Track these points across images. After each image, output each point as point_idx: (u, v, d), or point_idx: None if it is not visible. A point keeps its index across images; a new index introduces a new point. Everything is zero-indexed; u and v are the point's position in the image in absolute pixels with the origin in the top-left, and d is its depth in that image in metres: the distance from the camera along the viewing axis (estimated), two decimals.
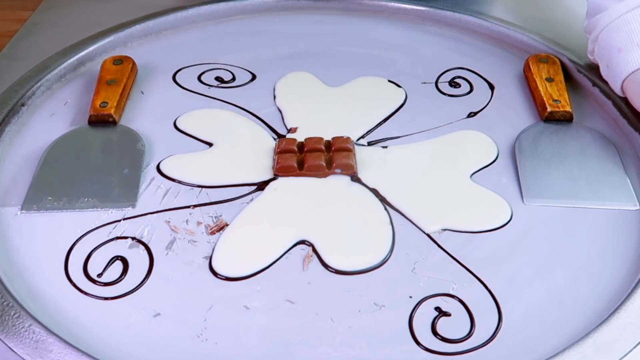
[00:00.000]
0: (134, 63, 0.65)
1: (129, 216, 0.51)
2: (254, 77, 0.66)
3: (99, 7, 0.60)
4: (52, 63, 0.64)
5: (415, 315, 0.44)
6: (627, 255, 0.48)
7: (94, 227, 0.50)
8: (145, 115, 0.61)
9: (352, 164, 0.54)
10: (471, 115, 0.61)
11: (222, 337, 0.43)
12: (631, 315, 0.43)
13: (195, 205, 0.52)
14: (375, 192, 0.53)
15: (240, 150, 0.57)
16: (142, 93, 0.64)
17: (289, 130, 0.59)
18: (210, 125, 0.60)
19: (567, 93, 0.61)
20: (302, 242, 0.49)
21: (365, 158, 0.56)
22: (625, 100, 0.59)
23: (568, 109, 0.59)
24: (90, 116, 0.59)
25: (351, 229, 0.50)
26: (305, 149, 0.55)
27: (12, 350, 0.41)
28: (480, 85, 0.65)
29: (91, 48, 0.67)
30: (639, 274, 0.46)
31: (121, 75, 0.62)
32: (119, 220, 0.51)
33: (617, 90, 0.58)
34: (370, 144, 0.58)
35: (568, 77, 0.64)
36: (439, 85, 0.65)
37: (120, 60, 0.64)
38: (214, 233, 0.50)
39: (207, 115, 0.61)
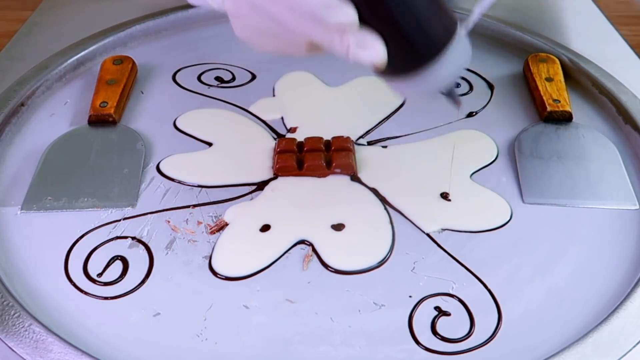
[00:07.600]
0: (134, 63, 0.65)
1: (128, 216, 0.51)
2: (253, 77, 0.66)
3: (99, 7, 0.60)
4: (52, 63, 0.64)
5: (415, 314, 0.44)
6: (626, 255, 0.48)
7: (93, 227, 0.50)
8: (145, 115, 0.61)
9: (351, 163, 0.54)
10: (471, 115, 0.61)
11: (222, 336, 0.43)
12: (630, 314, 0.43)
13: (195, 205, 0.52)
14: (375, 191, 0.53)
15: (240, 150, 0.57)
16: (142, 93, 0.64)
17: (289, 130, 0.59)
18: (210, 125, 0.60)
19: (567, 93, 0.61)
20: (302, 241, 0.49)
21: (365, 158, 0.56)
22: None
23: (568, 108, 0.59)
24: (90, 116, 0.59)
25: (351, 228, 0.50)
26: (305, 149, 0.55)
27: (12, 350, 0.41)
28: (479, 85, 0.65)
29: (91, 48, 0.67)
30: (639, 273, 0.46)
31: (121, 75, 0.62)
32: (119, 220, 0.51)
33: None
34: (370, 143, 0.58)
35: (568, 76, 0.64)
36: None
37: (120, 60, 0.64)
38: (214, 233, 0.50)
39: (207, 115, 0.61)
